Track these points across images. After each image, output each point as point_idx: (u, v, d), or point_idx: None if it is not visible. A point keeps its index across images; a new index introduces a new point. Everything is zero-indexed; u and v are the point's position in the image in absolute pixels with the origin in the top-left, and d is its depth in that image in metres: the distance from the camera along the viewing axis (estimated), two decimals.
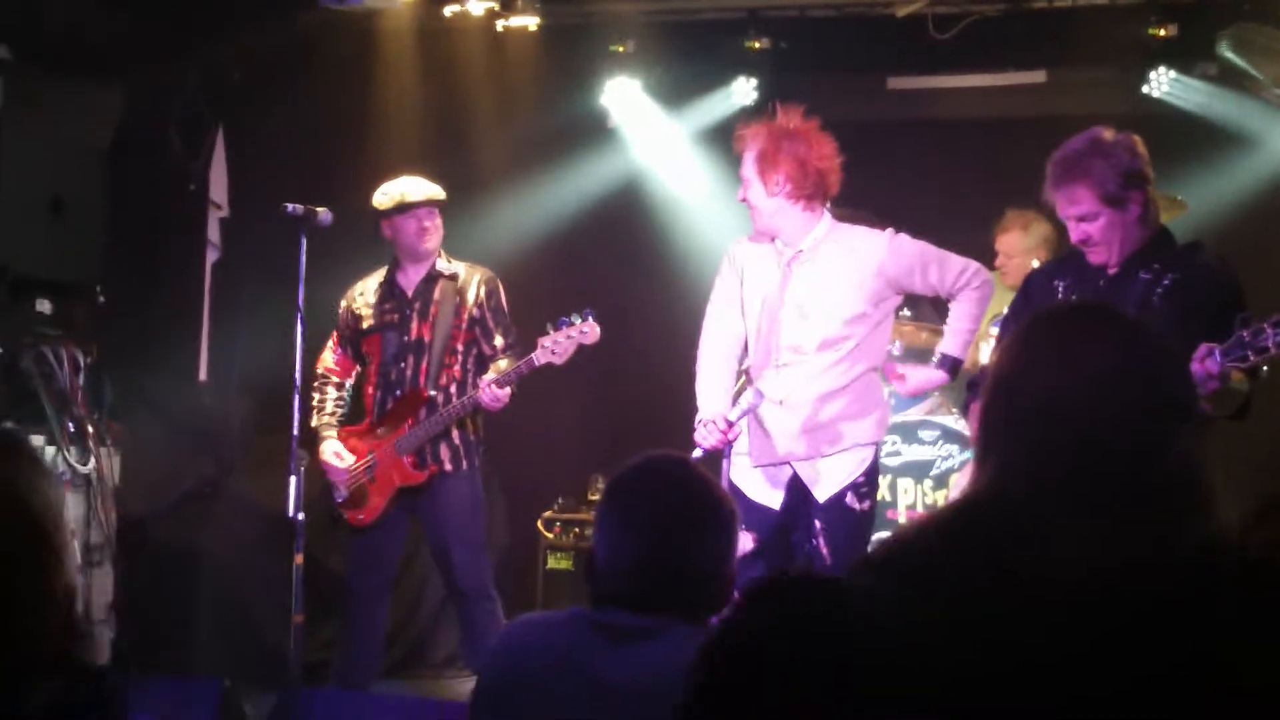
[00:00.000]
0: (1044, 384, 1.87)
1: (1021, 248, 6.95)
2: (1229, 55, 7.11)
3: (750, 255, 5.17)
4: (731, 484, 5.03)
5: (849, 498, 5.02)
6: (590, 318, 5.48)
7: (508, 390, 5.62)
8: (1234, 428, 4.18)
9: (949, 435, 6.67)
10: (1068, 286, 4.47)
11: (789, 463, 5.01)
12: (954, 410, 6.80)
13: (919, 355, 7.29)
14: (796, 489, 5.02)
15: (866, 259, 5.00)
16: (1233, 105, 7.30)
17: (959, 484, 4.84)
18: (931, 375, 5.14)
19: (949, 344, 5.12)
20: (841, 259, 5.01)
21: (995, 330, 6.36)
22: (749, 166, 5.01)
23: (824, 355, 4.99)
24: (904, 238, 5.11)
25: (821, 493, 5.00)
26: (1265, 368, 3.96)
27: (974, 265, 5.12)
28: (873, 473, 5.10)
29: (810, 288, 5.01)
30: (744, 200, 5.08)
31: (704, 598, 2.66)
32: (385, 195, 5.80)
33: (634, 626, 2.58)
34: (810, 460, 5.00)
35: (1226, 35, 7.09)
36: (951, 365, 5.11)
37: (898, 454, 6.70)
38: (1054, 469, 1.83)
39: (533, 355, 5.53)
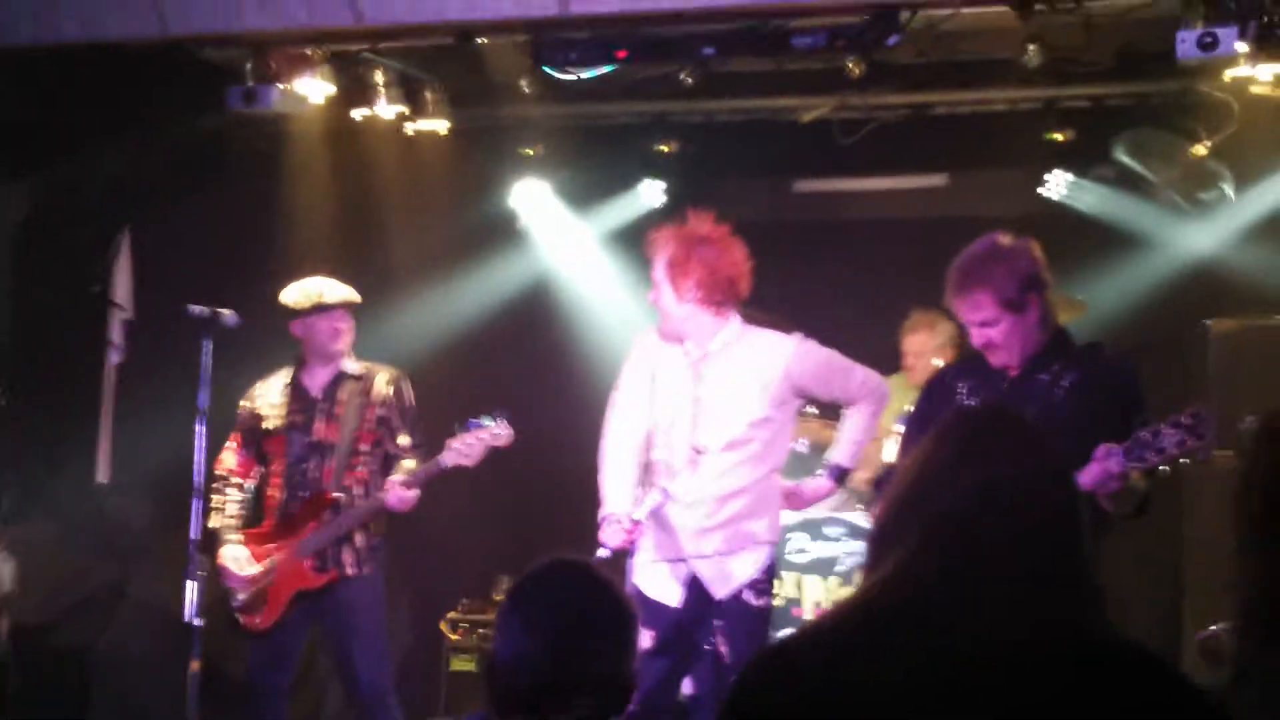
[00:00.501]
0: (956, 486, 2.00)
1: (930, 347, 7.04)
2: (1125, 159, 7.27)
3: (660, 350, 5.20)
4: (632, 583, 5.03)
5: (746, 594, 5.05)
6: (502, 420, 5.46)
7: (415, 492, 5.58)
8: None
9: (854, 531, 6.70)
10: (970, 389, 4.51)
11: (687, 560, 5.01)
12: (859, 506, 6.83)
13: (825, 452, 7.35)
14: (696, 587, 5.02)
15: (772, 363, 5.03)
16: (1129, 207, 7.46)
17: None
18: (820, 486, 5.21)
19: (840, 453, 5.19)
20: (748, 362, 5.04)
21: (899, 428, 6.41)
22: (660, 271, 5.05)
23: (727, 456, 5.02)
24: (811, 344, 5.16)
25: (720, 591, 5.01)
26: (1164, 467, 4.03)
27: (874, 377, 5.20)
28: (770, 570, 5.14)
29: (716, 390, 5.04)
30: (654, 303, 5.09)
31: (606, 701, 2.67)
32: (302, 294, 5.77)
33: None
34: (709, 559, 5.00)
35: (1123, 140, 7.26)
36: (840, 474, 5.19)
37: (804, 551, 6.71)
38: (963, 562, 1.95)
39: (442, 457, 5.49)
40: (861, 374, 5.16)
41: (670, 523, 5.04)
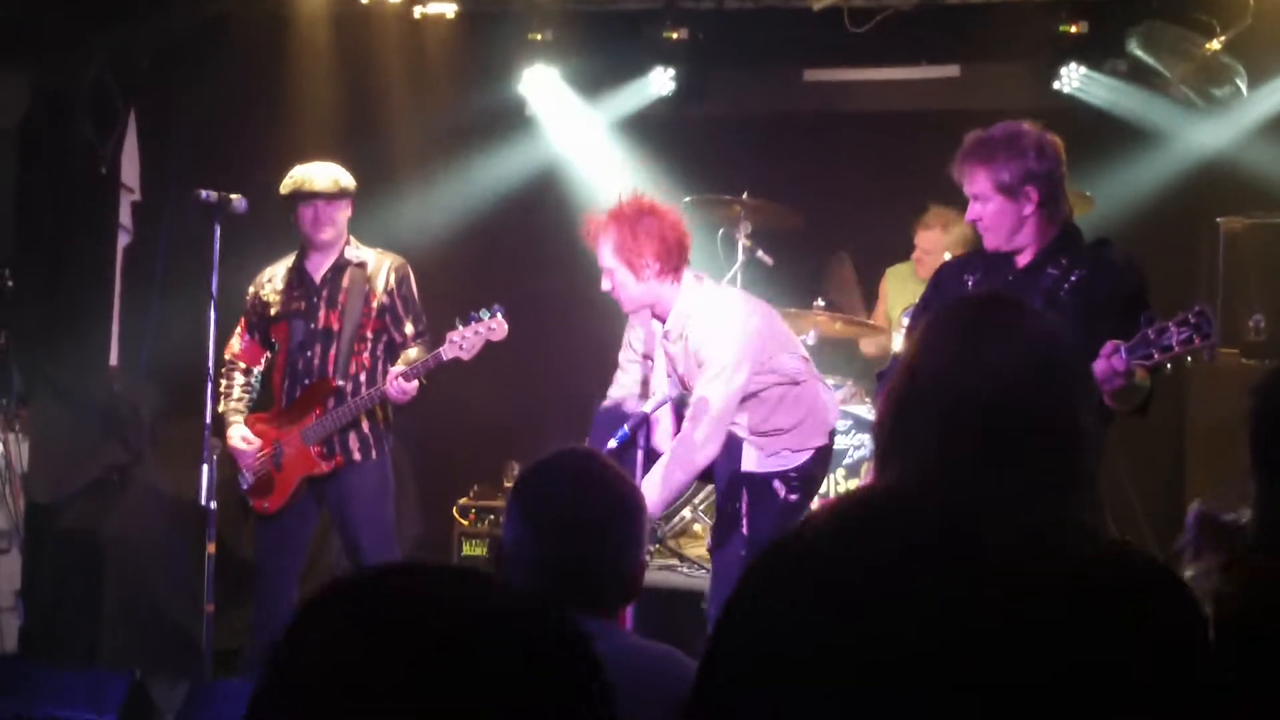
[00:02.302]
0: (957, 372, 1.96)
1: (941, 244, 7.06)
2: (1138, 53, 7.22)
3: (641, 326, 5.35)
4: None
5: (776, 483, 5.13)
6: (499, 314, 5.47)
7: (415, 384, 5.60)
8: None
9: (861, 425, 6.74)
10: (977, 280, 4.53)
11: None
12: (866, 399, 6.87)
13: (833, 345, 7.38)
14: (729, 453, 5.10)
15: (698, 335, 5.07)
16: (1141, 102, 7.41)
17: (870, 471, 4.91)
18: None
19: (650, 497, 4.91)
20: (697, 336, 5.09)
21: (906, 320, 6.44)
22: (610, 258, 5.05)
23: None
24: (718, 347, 5.01)
25: (748, 464, 5.13)
26: (1168, 365, 4.05)
27: (717, 432, 4.99)
28: (805, 471, 5.20)
29: (684, 363, 5.12)
30: (610, 292, 5.12)
31: (609, 590, 2.70)
32: (289, 181, 5.74)
33: None
34: (743, 440, 5.11)
35: (1136, 33, 7.20)
36: None
37: None
38: (967, 450, 1.92)
39: (440, 350, 5.50)
40: (709, 412, 4.95)
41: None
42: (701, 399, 4.96)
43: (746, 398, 5.08)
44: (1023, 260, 4.45)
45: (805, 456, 5.20)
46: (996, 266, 4.50)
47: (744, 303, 5.25)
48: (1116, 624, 1.87)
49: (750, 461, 5.17)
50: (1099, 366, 3.99)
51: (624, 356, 5.43)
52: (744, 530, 5.12)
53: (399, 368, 5.65)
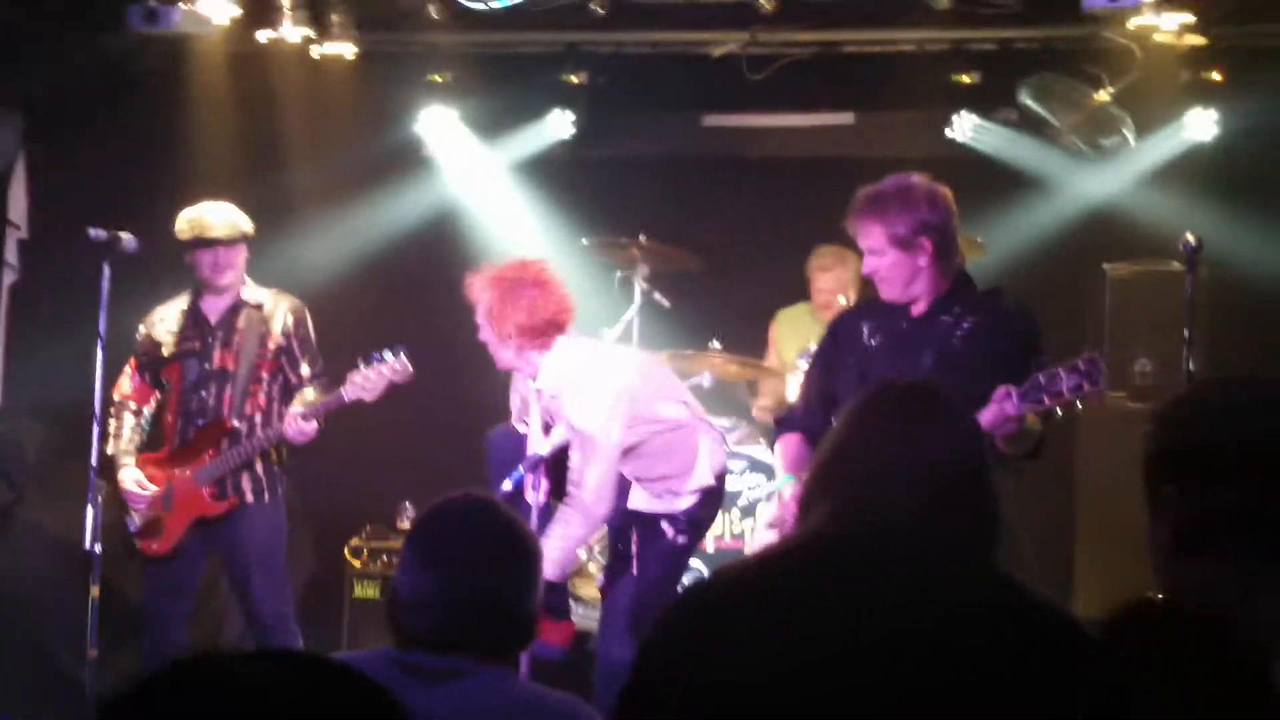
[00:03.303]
0: (880, 454, 2.23)
1: (842, 283, 7.13)
2: (1029, 103, 7.35)
3: (520, 383, 5.43)
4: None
5: (664, 524, 5.18)
6: (402, 355, 5.46)
7: (314, 424, 5.55)
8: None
9: (756, 465, 6.77)
10: (873, 328, 4.59)
11: None
12: (761, 440, 6.90)
13: (729, 387, 7.40)
14: (619, 491, 5.15)
15: (567, 402, 5.11)
16: (1032, 150, 7.54)
17: (768, 514, 4.91)
18: None
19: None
20: (561, 398, 5.14)
21: (803, 363, 6.48)
22: (482, 318, 5.15)
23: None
24: (587, 409, 5.08)
25: (636, 502, 5.18)
26: (1059, 410, 4.11)
27: (602, 494, 5.05)
28: (693, 514, 5.24)
29: (559, 422, 5.18)
30: (484, 342, 5.21)
31: (507, 635, 2.69)
32: (186, 224, 5.68)
33: (440, 667, 2.58)
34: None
35: (1028, 83, 7.33)
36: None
37: None
38: (885, 515, 2.15)
39: (342, 390, 5.47)
40: (595, 477, 5.04)
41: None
42: (580, 466, 5.04)
43: (627, 451, 5.12)
44: (917, 309, 4.51)
45: (693, 500, 5.24)
46: (891, 315, 4.56)
47: (612, 363, 5.28)
48: (1058, 683, 1.95)
49: (639, 500, 5.21)
50: (991, 411, 4.05)
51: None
52: (634, 571, 5.16)
53: (298, 408, 5.60)
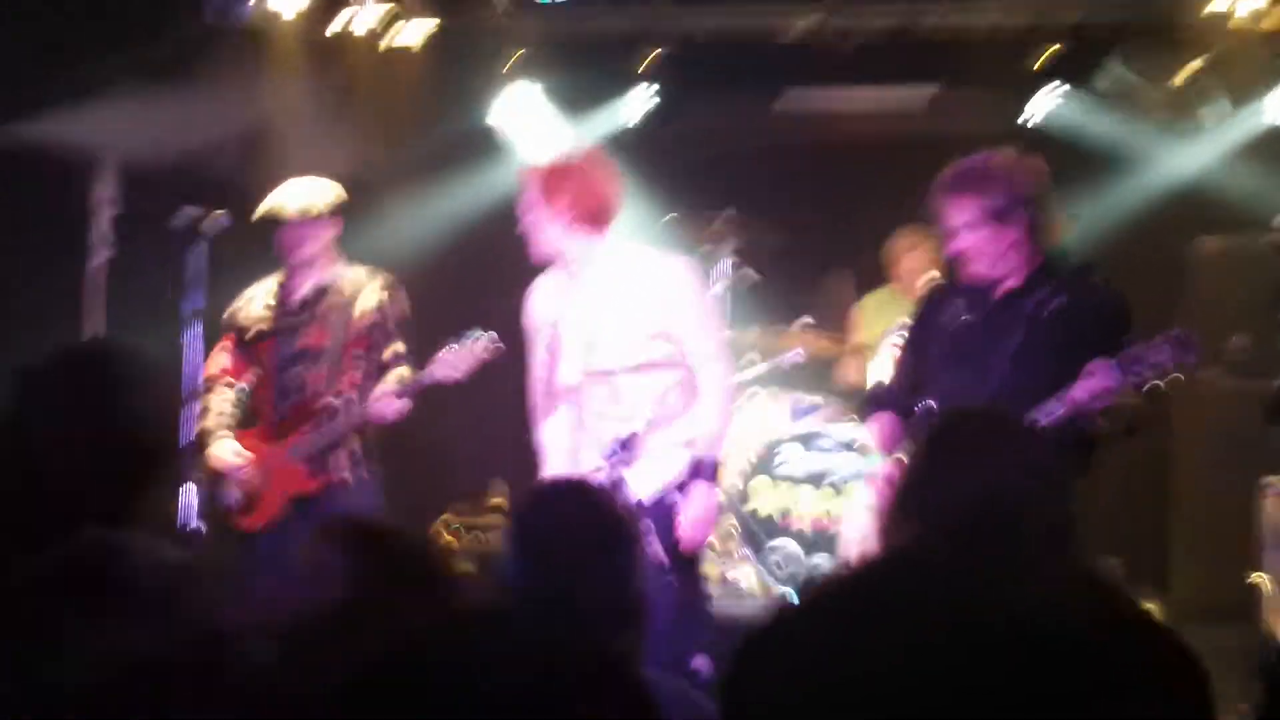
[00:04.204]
0: (956, 484, 2.33)
1: (924, 263, 7.11)
2: (1116, 77, 7.27)
3: (539, 295, 5.23)
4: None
5: (673, 497, 4.94)
6: (491, 336, 5.45)
7: (405, 402, 5.57)
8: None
9: (847, 444, 6.74)
10: (962, 306, 4.55)
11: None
12: (851, 418, 6.87)
13: (820, 364, 7.37)
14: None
15: (652, 282, 5.00)
16: (1116, 126, 7.47)
17: (863, 494, 4.85)
18: (703, 496, 4.88)
19: (703, 444, 4.92)
20: (632, 277, 5.02)
21: (897, 340, 6.46)
22: (531, 195, 5.05)
23: (633, 375, 4.97)
24: (688, 270, 5.09)
25: (641, 491, 4.87)
26: (1153, 383, 4.08)
27: (723, 355, 5.11)
28: (696, 471, 4.98)
29: (604, 308, 5.02)
30: (524, 231, 5.11)
31: (614, 621, 2.68)
32: (264, 206, 5.72)
33: None
34: (619, 456, 4.86)
35: (1114, 57, 7.26)
36: (712, 470, 4.92)
37: (797, 461, 6.75)
38: (964, 539, 2.23)
39: (433, 369, 5.47)
40: (719, 347, 5.07)
41: (592, 430, 5.01)
42: (702, 335, 4.98)
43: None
44: (1006, 287, 4.47)
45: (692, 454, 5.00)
46: (981, 293, 4.53)
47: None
48: (1138, 697, 1.97)
49: (638, 486, 4.87)
50: (1086, 385, 4.03)
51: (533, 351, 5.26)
52: (665, 562, 4.76)
53: (390, 385, 5.61)
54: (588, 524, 2.72)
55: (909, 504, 2.39)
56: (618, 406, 4.96)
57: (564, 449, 5.09)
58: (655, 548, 4.76)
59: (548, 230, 5.03)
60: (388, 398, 5.54)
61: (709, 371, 4.99)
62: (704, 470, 4.91)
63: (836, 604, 2.09)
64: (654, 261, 5.09)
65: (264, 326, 5.79)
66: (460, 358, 5.41)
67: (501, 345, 5.45)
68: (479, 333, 5.43)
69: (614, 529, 2.75)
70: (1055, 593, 2.07)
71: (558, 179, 5.00)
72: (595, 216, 5.02)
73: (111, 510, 2.34)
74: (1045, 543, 2.27)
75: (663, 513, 4.89)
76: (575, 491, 2.84)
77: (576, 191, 4.98)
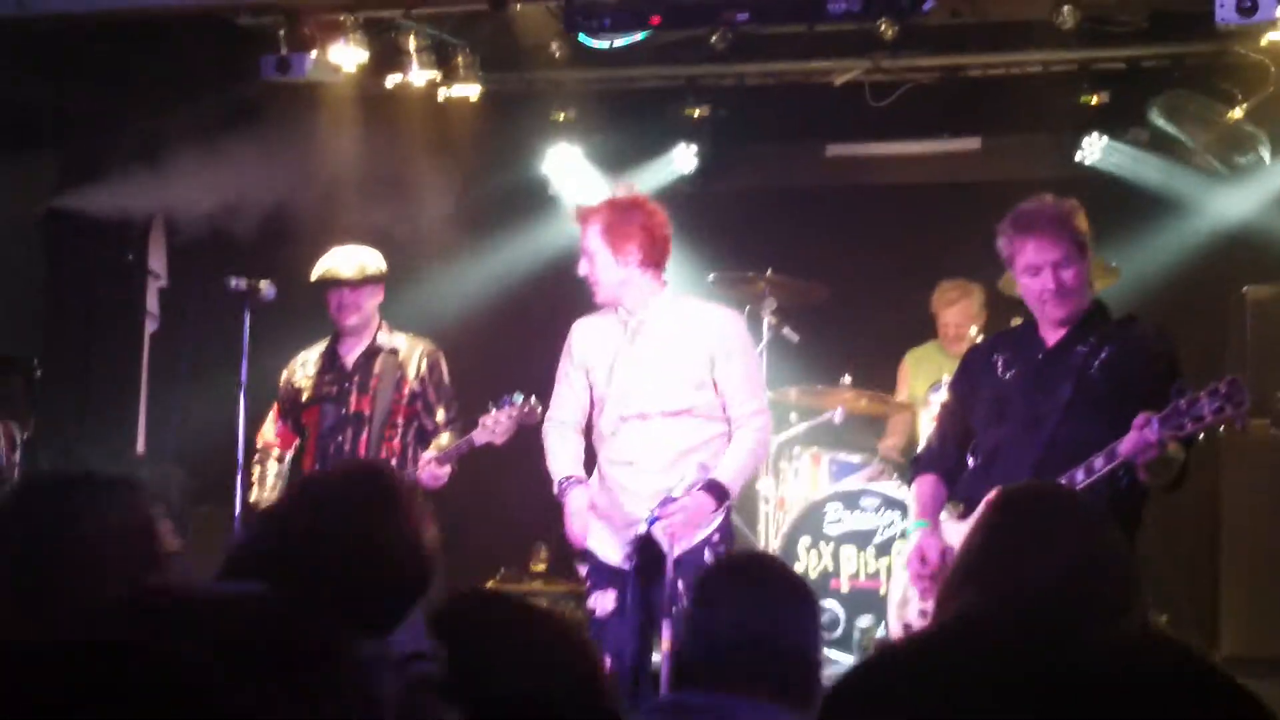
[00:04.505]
0: (1015, 560, 2.33)
1: (969, 315, 7.07)
2: (1160, 122, 7.23)
3: (589, 333, 5.24)
4: (587, 550, 5.07)
5: (706, 554, 4.93)
6: (532, 398, 5.49)
7: (447, 469, 5.60)
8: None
9: (890, 503, 6.66)
10: (1007, 360, 4.52)
11: (635, 523, 4.92)
12: (893, 476, 6.82)
13: (860, 423, 7.32)
14: (649, 548, 4.91)
15: (708, 329, 5.07)
16: (1164, 171, 7.41)
17: (901, 551, 4.82)
18: (701, 503, 4.91)
19: (722, 470, 4.97)
20: (685, 327, 5.07)
21: (934, 398, 6.41)
22: (595, 240, 5.05)
23: (670, 420, 5.02)
24: (737, 322, 5.20)
25: (676, 550, 4.83)
26: (1201, 435, 4.02)
27: (763, 403, 5.18)
28: (727, 529, 5.08)
29: (654, 354, 5.06)
30: (587, 275, 5.11)
31: (789, 678, 2.72)
32: (318, 267, 5.79)
33: (702, 704, 2.65)
34: (661, 520, 4.90)
35: (1158, 102, 7.21)
36: (719, 491, 4.94)
37: (839, 521, 6.69)
38: (1026, 605, 2.25)
39: (472, 435, 5.52)
40: (756, 392, 5.17)
41: (619, 485, 5.06)
42: (745, 387, 5.05)
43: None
44: (1052, 338, 4.43)
45: (724, 510, 5.05)
46: (1027, 347, 4.49)
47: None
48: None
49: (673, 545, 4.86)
50: (1132, 439, 3.98)
51: (560, 386, 5.29)
52: None
53: (431, 453, 5.65)
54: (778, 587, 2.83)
55: (967, 575, 2.40)
56: (646, 451, 5.00)
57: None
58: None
59: (613, 273, 5.05)
60: (429, 465, 5.57)
61: (747, 426, 5.04)
62: (713, 487, 4.92)
63: (919, 663, 2.16)
64: (706, 312, 5.17)
65: (312, 392, 5.84)
66: (500, 422, 5.45)
67: (538, 410, 5.46)
68: (519, 396, 5.45)
69: (799, 596, 2.86)
70: (1131, 653, 2.11)
71: (624, 221, 5.02)
72: (661, 260, 5.09)
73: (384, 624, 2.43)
74: (1113, 607, 2.28)
75: (693, 571, 4.87)
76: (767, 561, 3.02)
77: (644, 234, 5.01)
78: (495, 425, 5.45)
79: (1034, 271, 4.36)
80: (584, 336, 5.26)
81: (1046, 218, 4.36)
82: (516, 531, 7.54)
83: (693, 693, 2.67)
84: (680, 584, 4.82)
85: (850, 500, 6.71)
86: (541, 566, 7.46)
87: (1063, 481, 4.17)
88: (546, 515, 7.44)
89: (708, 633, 2.72)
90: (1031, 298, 4.42)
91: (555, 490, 5.18)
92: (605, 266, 5.05)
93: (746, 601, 2.73)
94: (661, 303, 5.12)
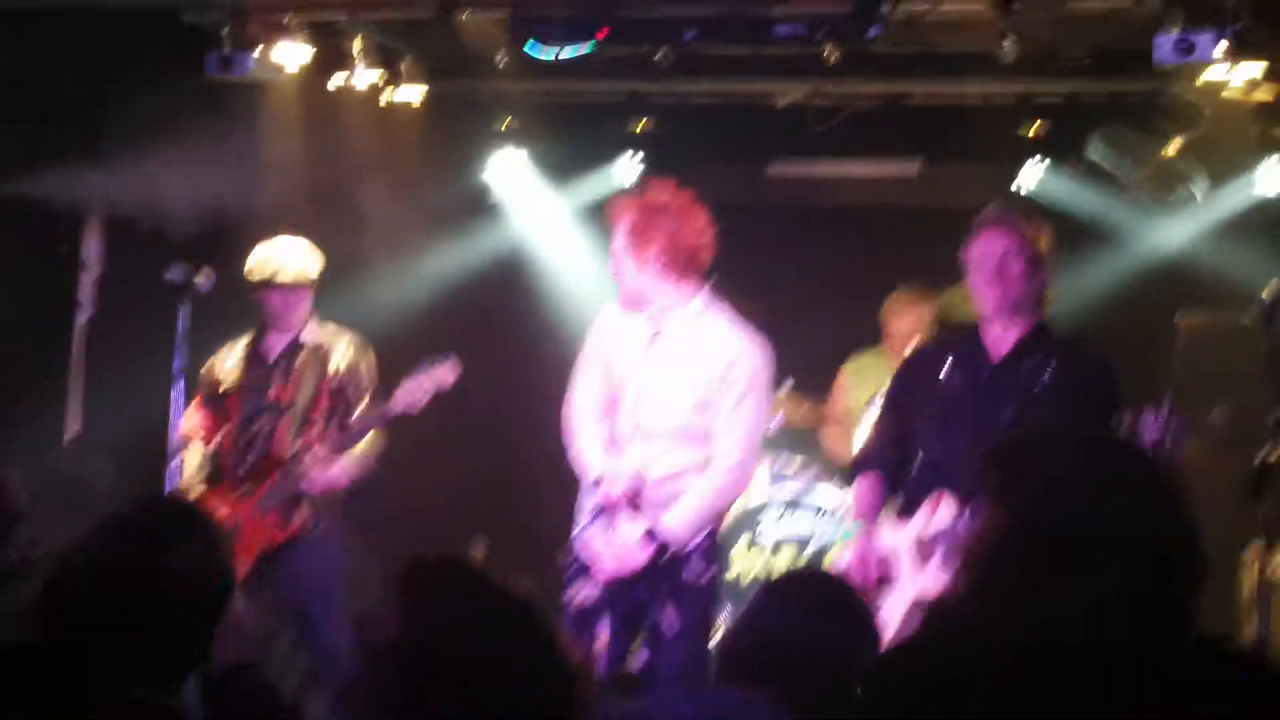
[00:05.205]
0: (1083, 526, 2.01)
1: (918, 327, 7.11)
2: (1097, 156, 7.32)
3: (617, 324, 5.13)
4: (583, 542, 5.00)
5: (694, 559, 4.92)
6: (448, 359, 5.47)
7: (340, 471, 5.65)
8: None
9: (822, 512, 6.72)
10: (952, 366, 4.56)
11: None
12: (834, 479, 6.85)
13: (796, 434, 7.36)
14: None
15: (721, 354, 4.94)
16: (1100, 202, 7.51)
17: (839, 560, 4.85)
18: (632, 552, 4.89)
19: (673, 520, 4.88)
20: (700, 345, 4.95)
21: (872, 410, 6.45)
22: (619, 240, 4.97)
23: (672, 437, 4.94)
24: (756, 360, 5.01)
25: (665, 559, 4.90)
26: None
27: (744, 454, 4.97)
28: (713, 539, 5.02)
29: (666, 369, 4.96)
30: (613, 274, 5.03)
31: (829, 690, 2.69)
32: (257, 267, 5.78)
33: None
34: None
35: (1096, 136, 7.31)
36: (659, 542, 4.88)
37: (779, 524, 6.73)
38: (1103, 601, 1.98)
39: (393, 402, 5.51)
40: (740, 434, 4.94)
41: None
42: (730, 421, 4.86)
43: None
44: (999, 348, 4.47)
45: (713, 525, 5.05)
46: (973, 358, 4.53)
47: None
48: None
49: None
50: None
51: (582, 372, 5.22)
52: (676, 624, 4.90)
53: (328, 443, 5.69)
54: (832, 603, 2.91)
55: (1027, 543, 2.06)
56: (646, 465, 4.93)
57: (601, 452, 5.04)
58: (671, 611, 4.78)
59: (633, 278, 4.95)
60: (322, 462, 5.56)
61: (716, 472, 4.90)
62: (651, 536, 4.87)
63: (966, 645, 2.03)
64: (729, 338, 4.98)
65: (235, 381, 5.82)
66: (420, 385, 5.44)
67: (450, 371, 5.41)
68: (439, 359, 5.43)
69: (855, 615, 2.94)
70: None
71: (649, 224, 4.90)
72: (684, 267, 4.92)
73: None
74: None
75: (681, 580, 4.90)
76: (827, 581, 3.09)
77: (668, 240, 4.88)
78: (415, 387, 5.44)
79: (982, 260, 4.42)
80: (608, 328, 5.15)
81: (1001, 214, 4.46)
82: (453, 528, 7.49)
83: (726, 690, 2.73)
84: (665, 586, 4.81)
85: (789, 506, 6.75)
86: (482, 559, 7.43)
87: None
88: (482, 511, 7.46)
89: (757, 632, 2.78)
90: (976, 294, 4.48)
91: (588, 478, 5.08)
92: (626, 270, 4.95)
93: (807, 616, 2.79)
94: (686, 315, 4.97)
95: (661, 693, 2.79)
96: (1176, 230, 7.39)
